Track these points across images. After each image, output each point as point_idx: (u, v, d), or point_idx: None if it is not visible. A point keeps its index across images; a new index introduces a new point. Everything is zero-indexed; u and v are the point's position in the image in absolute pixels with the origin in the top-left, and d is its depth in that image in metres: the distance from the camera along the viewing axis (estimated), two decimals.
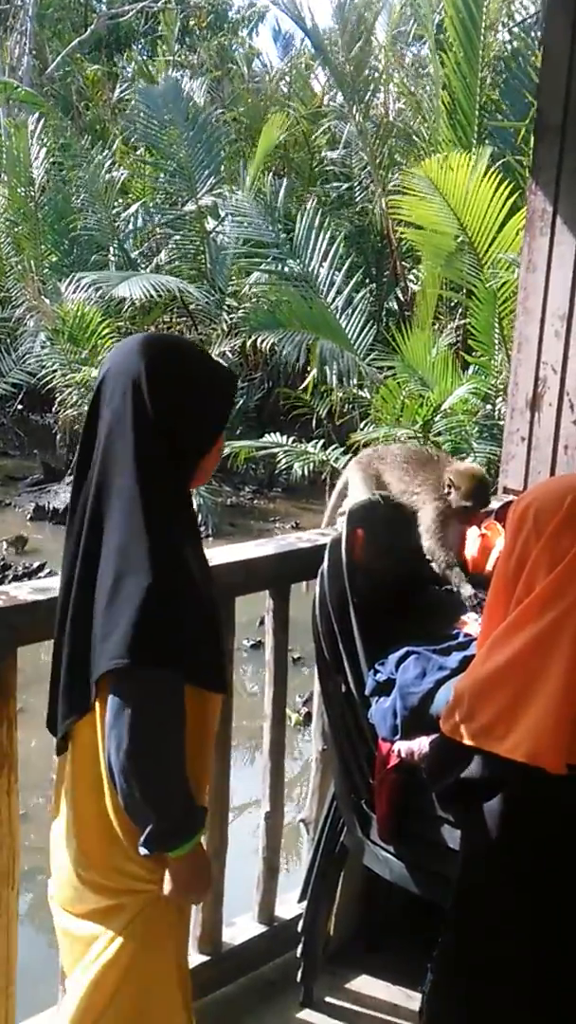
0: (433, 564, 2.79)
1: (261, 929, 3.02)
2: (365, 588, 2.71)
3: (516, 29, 11.28)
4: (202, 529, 10.86)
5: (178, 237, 13.27)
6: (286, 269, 11.30)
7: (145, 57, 17.77)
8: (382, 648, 2.64)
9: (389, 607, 2.77)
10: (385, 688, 2.56)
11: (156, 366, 1.94)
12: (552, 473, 3.13)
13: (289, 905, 3.05)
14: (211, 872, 2.02)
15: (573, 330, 3.02)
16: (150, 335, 2.06)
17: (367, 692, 2.59)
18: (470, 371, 9.25)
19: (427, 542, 2.79)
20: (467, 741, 1.94)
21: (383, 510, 2.84)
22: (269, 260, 11.53)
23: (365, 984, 2.94)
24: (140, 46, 18.71)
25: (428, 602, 2.79)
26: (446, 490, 2.76)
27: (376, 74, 13.60)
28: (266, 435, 10.81)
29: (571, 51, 2.95)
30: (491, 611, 2.04)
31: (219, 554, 2.73)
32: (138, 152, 14.69)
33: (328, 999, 2.89)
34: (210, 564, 2.18)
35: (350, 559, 2.69)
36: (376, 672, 2.60)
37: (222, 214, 12.83)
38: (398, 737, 2.49)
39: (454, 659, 2.53)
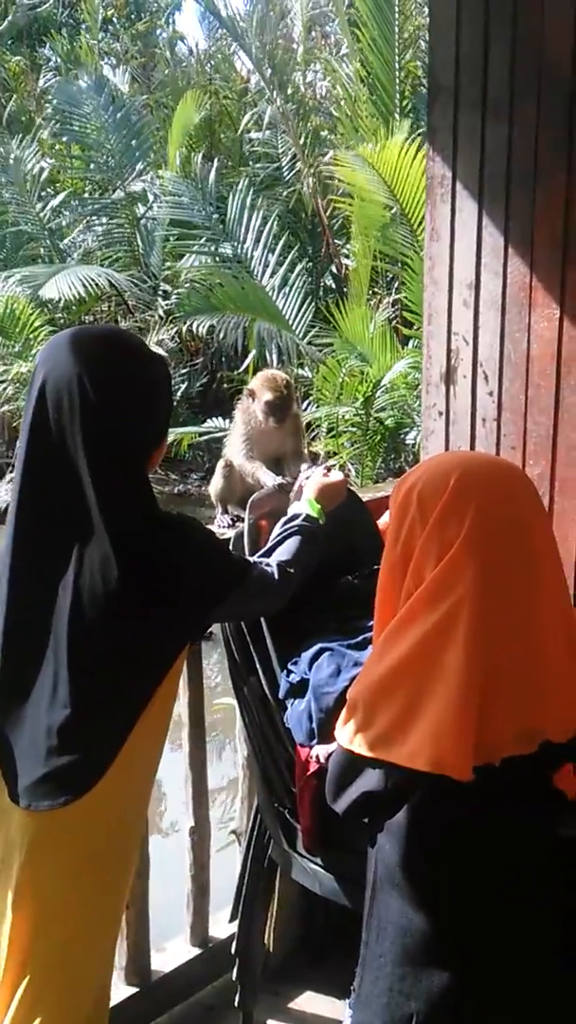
0: (247, 479, 2.79)
1: (195, 952, 2.87)
2: None
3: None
4: None
5: (110, 225, 13.05)
6: (220, 251, 11.13)
7: (67, 48, 17.38)
8: (295, 646, 2.49)
9: (302, 600, 2.62)
10: (299, 689, 2.41)
11: (99, 366, 1.86)
12: (472, 447, 2.99)
13: (224, 924, 2.90)
14: None
15: (481, 299, 2.87)
16: (82, 331, 1.95)
17: (281, 695, 2.45)
18: (411, 345, 9.14)
19: (234, 456, 2.86)
20: (365, 752, 1.79)
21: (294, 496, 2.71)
22: (202, 242, 11.34)
23: (309, 1001, 2.80)
24: (62, 35, 18.31)
25: (341, 592, 2.64)
26: (248, 404, 2.82)
27: (294, 55, 13.40)
28: (210, 420, 10.68)
29: (458, 8, 2.79)
30: (382, 602, 1.90)
31: None
32: (65, 139, 14.39)
33: (270, 1021, 2.74)
34: None
35: (254, 553, 2.53)
36: (289, 673, 2.45)
37: (151, 198, 12.63)
38: (315, 741, 2.34)
39: (370, 652, 2.39)
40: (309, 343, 10.00)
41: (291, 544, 2.30)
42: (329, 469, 2.55)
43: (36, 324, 10.86)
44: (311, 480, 2.51)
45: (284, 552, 2.28)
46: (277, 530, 2.39)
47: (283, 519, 2.42)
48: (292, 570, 2.24)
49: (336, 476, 2.53)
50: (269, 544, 2.36)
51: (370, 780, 1.82)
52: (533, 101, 2.64)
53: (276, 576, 2.21)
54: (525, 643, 1.77)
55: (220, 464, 2.91)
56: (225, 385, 12.39)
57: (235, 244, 10.96)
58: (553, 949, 1.91)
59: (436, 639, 1.72)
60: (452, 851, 1.82)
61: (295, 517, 2.39)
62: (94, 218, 13.23)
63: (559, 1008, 1.91)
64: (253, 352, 10.23)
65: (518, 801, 1.83)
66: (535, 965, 1.88)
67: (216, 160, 12.72)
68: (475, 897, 1.82)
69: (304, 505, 2.42)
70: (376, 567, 2.50)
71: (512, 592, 1.76)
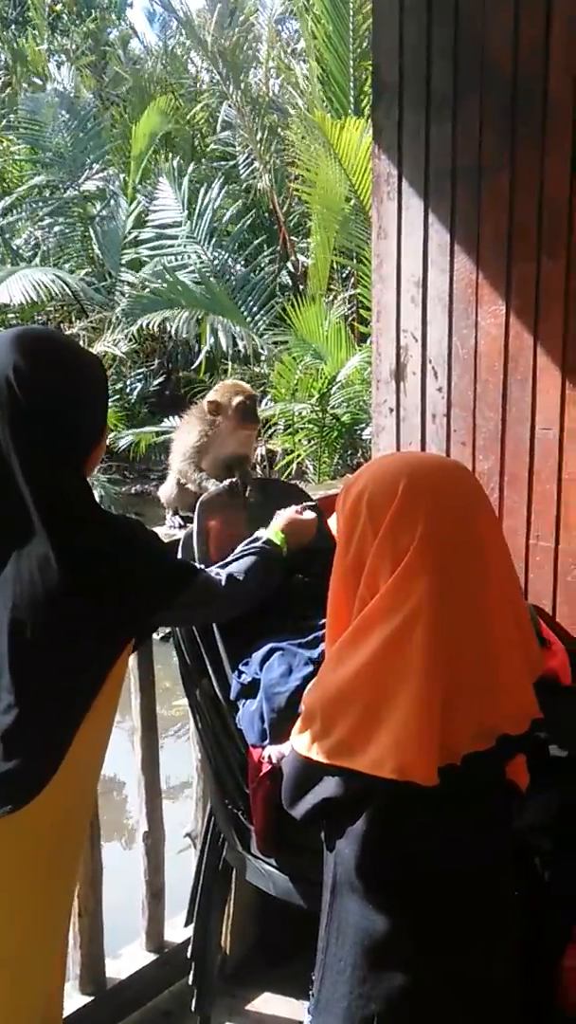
0: (189, 485, 2.82)
1: (151, 958, 2.83)
2: None
3: None
4: None
5: (63, 224, 12.95)
6: (181, 250, 11.08)
7: (16, 46, 17.21)
8: (247, 646, 2.47)
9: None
10: (251, 690, 2.40)
11: (30, 367, 1.82)
12: (423, 443, 2.99)
13: (180, 929, 2.87)
14: None
15: (429, 296, 2.87)
16: (17, 332, 1.90)
17: (232, 696, 2.43)
18: (369, 342, 9.14)
19: (180, 464, 2.85)
20: (323, 759, 1.78)
21: (251, 494, 2.74)
22: (175, 242, 11.26)
23: (267, 1003, 2.78)
24: (10, 33, 18.12)
25: (293, 591, 2.63)
26: (210, 416, 2.83)
27: (250, 52, 13.37)
28: (167, 420, 10.63)
29: (401, 6, 2.79)
30: (335, 608, 1.88)
31: None
32: (15, 138, 14.26)
33: None
34: None
35: (204, 555, 2.52)
36: (240, 674, 2.43)
37: (108, 197, 12.56)
38: (268, 741, 2.33)
39: (321, 650, 2.38)
40: (268, 340, 9.98)
41: (246, 561, 2.31)
42: (304, 509, 2.56)
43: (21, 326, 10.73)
44: (283, 513, 2.54)
45: (237, 566, 2.29)
46: (239, 549, 2.39)
47: (246, 540, 2.42)
48: (241, 582, 2.23)
49: (309, 515, 2.55)
50: (227, 560, 2.35)
51: (329, 787, 1.81)
52: (476, 98, 2.64)
53: (223, 584, 2.20)
54: (481, 643, 1.77)
55: (172, 471, 2.90)
56: (182, 385, 12.34)
57: (195, 241, 10.91)
58: (513, 944, 1.91)
59: (395, 646, 1.71)
60: (413, 853, 1.81)
61: (257, 539, 2.40)
62: (48, 218, 13.10)
63: (517, 1006, 1.92)
64: (206, 348, 10.18)
65: (478, 797, 1.83)
66: (496, 962, 1.89)
67: (172, 158, 12.67)
68: (436, 897, 1.82)
69: (269, 531, 2.43)
70: (327, 566, 2.51)
71: (466, 593, 1.76)
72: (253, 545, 2.38)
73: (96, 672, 1.93)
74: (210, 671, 2.47)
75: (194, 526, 2.55)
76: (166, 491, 2.93)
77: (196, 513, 2.57)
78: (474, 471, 2.82)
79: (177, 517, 2.86)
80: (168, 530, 2.84)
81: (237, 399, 2.81)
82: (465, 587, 1.76)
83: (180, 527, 2.82)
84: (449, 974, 1.84)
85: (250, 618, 2.52)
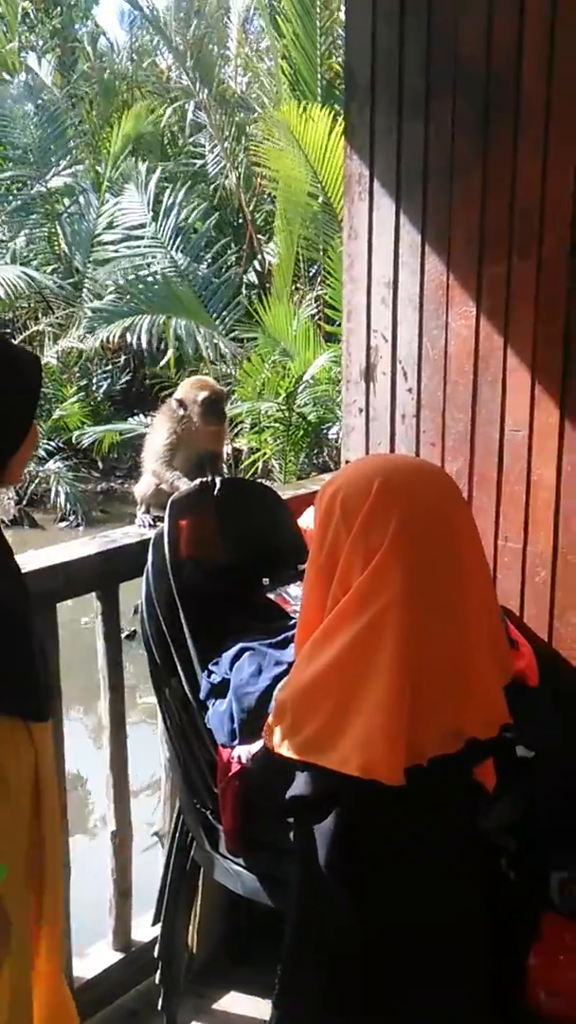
0: (163, 485, 2.81)
1: (117, 957, 2.82)
2: (196, 581, 2.54)
3: None
4: (71, 518, 10.60)
5: (28, 221, 12.87)
6: (148, 250, 11.04)
7: None
8: (216, 646, 2.47)
9: (226, 599, 2.61)
10: (220, 690, 2.39)
11: None
12: (392, 443, 3.00)
13: (147, 928, 2.86)
14: (6, 931, 1.81)
15: (400, 297, 2.87)
16: None
17: (202, 696, 2.42)
18: (337, 342, 9.16)
19: (152, 464, 2.84)
20: (293, 756, 1.78)
21: (224, 491, 2.71)
22: (142, 242, 11.19)
23: (233, 1002, 2.78)
24: None
25: (263, 591, 2.63)
26: (178, 412, 2.82)
27: (213, 49, 13.34)
28: (132, 418, 10.60)
29: (373, 5, 2.79)
30: (307, 606, 1.89)
31: (34, 558, 2.51)
32: None
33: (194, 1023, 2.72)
34: (23, 570, 1.99)
35: (175, 555, 2.51)
36: (210, 674, 2.43)
37: (77, 194, 12.50)
38: (237, 742, 2.32)
39: (291, 651, 2.38)
40: (232, 339, 9.97)
41: None
42: None
43: None
44: None
45: None
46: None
47: None
48: None
49: None
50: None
51: (299, 784, 1.82)
52: (448, 99, 2.65)
53: None
54: (452, 644, 1.78)
55: (147, 468, 2.89)
56: (147, 382, 12.31)
57: (159, 243, 10.88)
58: (481, 942, 1.92)
59: (365, 644, 1.72)
60: (381, 853, 1.82)
61: None
62: (17, 216, 13.00)
63: (488, 1005, 1.93)
64: (172, 350, 10.16)
65: (445, 799, 1.84)
66: (465, 961, 1.90)
67: (142, 158, 12.62)
68: (405, 897, 1.82)
69: None
70: (298, 567, 2.51)
71: (439, 594, 1.76)
72: None
73: None
74: (179, 670, 2.46)
75: (165, 526, 2.55)
76: (141, 489, 2.92)
77: (167, 512, 2.57)
78: None
79: (148, 516, 2.85)
80: (138, 528, 2.83)
81: (202, 395, 2.80)
82: (437, 587, 1.76)
83: (150, 526, 2.81)
84: (415, 973, 1.85)
85: (220, 618, 2.53)
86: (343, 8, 10.92)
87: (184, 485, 2.71)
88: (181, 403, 2.82)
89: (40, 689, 1.96)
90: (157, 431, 2.87)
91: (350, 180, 2.94)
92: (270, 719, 1.87)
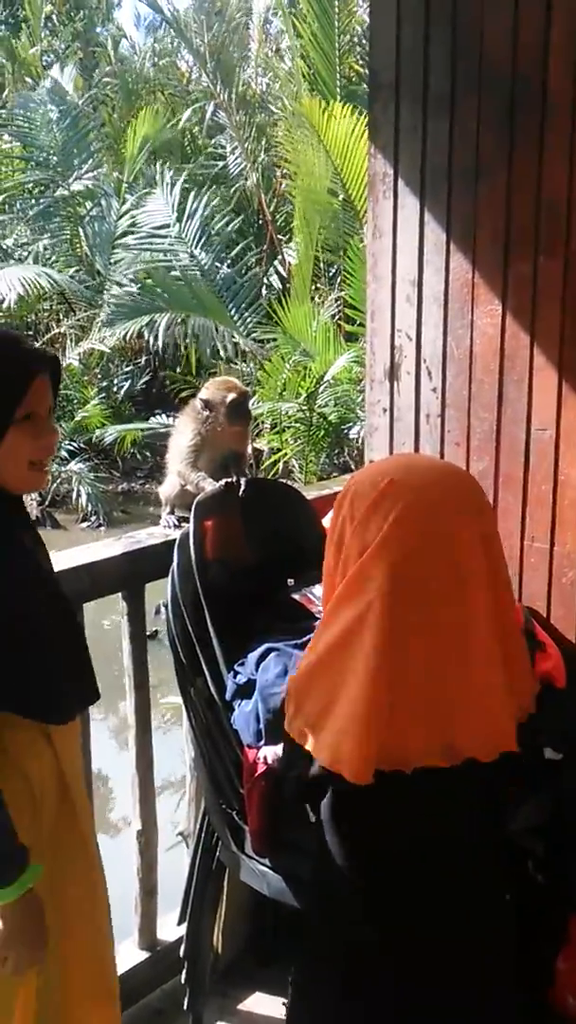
0: (187, 486, 2.80)
1: (143, 956, 2.84)
2: (222, 581, 2.54)
3: None
4: (93, 519, 10.63)
5: (51, 224, 12.93)
6: (172, 250, 11.07)
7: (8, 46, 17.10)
8: (242, 646, 2.47)
9: (251, 599, 2.61)
10: (246, 690, 2.39)
11: None
12: (416, 443, 2.99)
13: (173, 927, 2.87)
14: (43, 933, 1.82)
15: (424, 295, 2.86)
16: None
17: (228, 696, 2.42)
18: (358, 341, 9.14)
19: (177, 465, 2.84)
20: (295, 738, 1.80)
21: (249, 492, 2.71)
22: (166, 242, 11.21)
23: (258, 1002, 2.78)
24: (1, 32, 18.03)
25: (288, 592, 2.63)
26: (203, 413, 2.82)
27: (234, 51, 13.34)
28: (155, 418, 10.62)
29: (398, 4, 2.78)
30: (325, 598, 1.89)
31: (61, 559, 2.53)
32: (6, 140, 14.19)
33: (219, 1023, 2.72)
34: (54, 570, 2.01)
35: (200, 555, 2.51)
36: (236, 674, 2.43)
37: (99, 197, 12.55)
38: (263, 742, 2.32)
39: None
40: (254, 340, 9.97)
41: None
42: None
43: None
44: None
45: None
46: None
47: None
48: None
49: None
50: None
51: (295, 764, 1.84)
52: (474, 97, 2.63)
53: None
54: (442, 653, 1.73)
55: (171, 469, 2.89)
56: (168, 383, 12.33)
57: (183, 241, 10.91)
58: (507, 946, 1.91)
59: (346, 641, 1.72)
60: (380, 850, 1.81)
61: None
62: (40, 219, 13.07)
63: (515, 1008, 1.92)
64: (193, 350, 10.19)
65: (442, 808, 1.81)
66: (489, 964, 1.88)
67: (164, 161, 12.65)
68: (414, 897, 1.81)
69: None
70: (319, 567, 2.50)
71: (428, 601, 1.72)
72: None
73: None
74: (205, 671, 2.47)
75: (190, 526, 2.54)
76: (166, 489, 2.92)
77: (192, 513, 2.57)
78: (468, 472, 2.82)
79: (172, 516, 2.86)
80: (163, 529, 2.83)
81: (229, 396, 2.81)
82: (426, 594, 1.72)
83: (175, 526, 2.81)
84: (433, 974, 1.83)
85: (245, 618, 2.53)
86: (362, 7, 11.03)
87: (209, 486, 2.72)
88: (206, 404, 2.82)
89: (58, 692, 1.93)
90: (181, 432, 2.87)
91: (374, 179, 2.93)
92: (286, 699, 1.89)
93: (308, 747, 1.76)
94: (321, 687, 1.75)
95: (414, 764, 1.70)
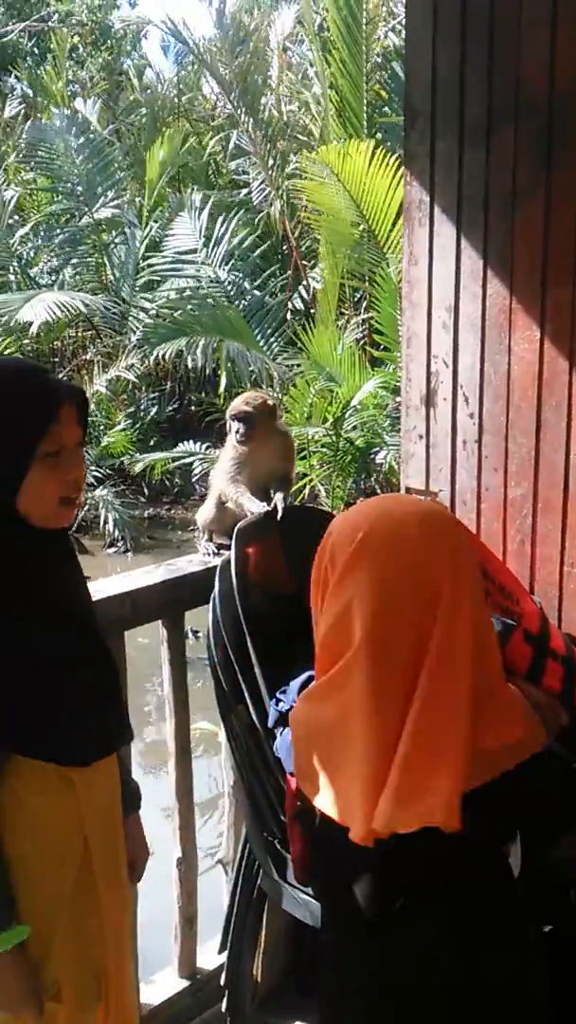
0: (229, 504, 2.78)
1: (183, 984, 2.83)
2: (264, 608, 2.54)
3: (398, 25, 11.27)
4: (119, 544, 10.66)
5: (77, 252, 13.06)
6: (196, 275, 11.16)
7: (32, 76, 17.32)
8: (284, 673, 2.46)
9: (293, 626, 2.60)
10: (288, 718, 2.39)
11: None
12: (452, 469, 2.99)
13: (212, 955, 2.86)
14: (29, 989, 1.77)
15: (460, 322, 2.87)
16: None
17: (270, 724, 2.42)
18: (388, 368, 9.15)
19: (221, 485, 2.82)
20: (294, 783, 1.84)
21: (288, 517, 2.71)
22: (193, 268, 11.29)
23: None
24: (28, 64, 18.27)
25: None
26: (233, 431, 2.78)
27: (263, 78, 13.44)
28: (181, 444, 10.66)
29: (434, 33, 2.80)
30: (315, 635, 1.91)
31: (104, 586, 2.55)
32: (32, 168, 14.32)
33: None
34: (94, 598, 2.00)
35: (242, 581, 2.52)
36: (278, 701, 2.42)
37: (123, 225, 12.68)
38: None
39: None
40: (279, 364, 10.01)
41: None
42: None
43: (7, 352, 10.81)
44: None
45: None
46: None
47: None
48: None
49: None
50: None
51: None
52: (511, 126, 2.64)
53: None
54: (427, 712, 1.71)
55: (212, 492, 2.88)
56: (194, 409, 12.38)
57: (208, 267, 11.00)
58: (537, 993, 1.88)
59: (334, 696, 1.76)
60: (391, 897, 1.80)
61: None
62: (67, 246, 13.19)
63: None
64: (223, 375, 10.23)
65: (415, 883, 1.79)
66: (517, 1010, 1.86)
67: (189, 188, 12.76)
68: (434, 940, 1.79)
69: None
70: None
71: (405, 665, 1.71)
72: None
73: None
74: (247, 697, 2.46)
75: (231, 553, 2.55)
76: (203, 514, 2.92)
77: (233, 540, 2.57)
78: (506, 498, 2.82)
79: (211, 544, 2.86)
80: (202, 557, 2.84)
81: (228, 413, 2.79)
82: (402, 657, 1.72)
83: (214, 554, 2.82)
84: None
85: (287, 646, 2.52)
86: (391, 37, 11.13)
87: (247, 502, 2.71)
88: (230, 420, 2.81)
89: (73, 730, 1.85)
90: (224, 452, 2.88)
91: (410, 206, 2.95)
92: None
93: (307, 794, 1.79)
94: (312, 739, 1.81)
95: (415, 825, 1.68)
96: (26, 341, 11.87)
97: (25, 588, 1.80)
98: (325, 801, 1.75)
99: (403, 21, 10.62)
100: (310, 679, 2.39)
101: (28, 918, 1.74)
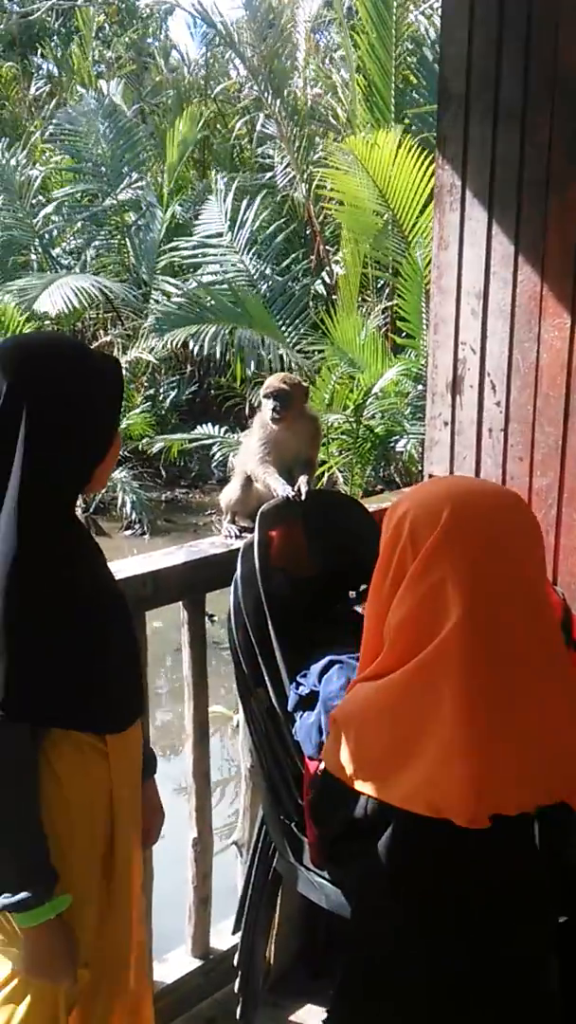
0: (257, 484, 2.76)
1: (196, 964, 2.83)
2: (284, 591, 2.53)
3: (428, 9, 11.18)
4: (136, 527, 10.67)
5: (99, 233, 13.05)
6: (221, 259, 11.12)
7: (59, 55, 17.26)
8: (304, 658, 2.46)
9: (314, 610, 2.60)
10: (309, 702, 2.38)
11: (34, 378, 1.73)
12: (478, 457, 2.98)
13: (225, 935, 2.86)
14: (70, 957, 1.78)
15: (490, 308, 2.85)
16: (19, 341, 1.81)
17: (289, 707, 2.41)
18: (410, 356, 9.11)
19: (250, 467, 2.78)
20: (355, 784, 1.77)
21: (311, 501, 2.69)
22: (219, 252, 11.24)
23: (309, 1014, 2.76)
24: (54, 43, 18.22)
25: (350, 604, 2.62)
26: (266, 411, 2.75)
27: (290, 61, 13.36)
28: (199, 427, 10.64)
29: (470, 16, 2.78)
30: (370, 626, 1.87)
31: (126, 566, 2.53)
32: (55, 150, 14.28)
33: None
34: (116, 577, 2.00)
35: (265, 563, 2.51)
36: (298, 685, 2.42)
37: (144, 207, 12.63)
38: None
39: None
40: (299, 351, 9.97)
41: None
42: None
43: (28, 331, 10.78)
44: None
45: None
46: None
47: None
48: None
49: None
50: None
51: (352, 808, 1.81)
52: (546, 111, 2.62)
53: None
54: (524, 687, 1.73)
55: (237, 474, 2.87)
56: (213, 393, 12.36)
57: (233, 252, 10.96)
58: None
59: (418, 689, 1.71)
60: (438, 887, 1.78)
61: None
62: (90, 226, 13.17)
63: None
64: (240, 359, 10.21)
65: (503, 856, 1.77)
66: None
67: (213, 171, 12.71)
68: (459, 932, 1.78)
69: None
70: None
71: (508, 637, 1.72)
72: None
73: None
74: (267, 680, 2.46)
75: (255, 536, 2.54)
76: (227, 495, 2.90)
77: (257, 523, 2.56)
78: (531, 487, 2.81)
79: (234, 526, 2.85)
80: (224, 538, 2.83)
81: (262, 392, 2.77)
82: (500, 629, 1.72)
83: (236, 536, 2.81)
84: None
85: (307, 630, 2.52)
86: (420, 20, 11.04)
87: (275, 482, 2.69)
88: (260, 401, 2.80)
89: (110, 700, 1.87)
90: (251, 433, 2.86)
91: (441, 190, 2.93)
92: (330, 738, 1.86)
93: (379, 796, 1.74)
94: (392, 730, 1.74)
95: (518, 807, 1.69)
96: (47, 323, 11.86)
97: (68, 556, 1.82)
98: (401, 786, 1.71)
99: (435, 5, 10.58)
100: (331, 663, 2.39)
101: (64, 888, 1.77)
